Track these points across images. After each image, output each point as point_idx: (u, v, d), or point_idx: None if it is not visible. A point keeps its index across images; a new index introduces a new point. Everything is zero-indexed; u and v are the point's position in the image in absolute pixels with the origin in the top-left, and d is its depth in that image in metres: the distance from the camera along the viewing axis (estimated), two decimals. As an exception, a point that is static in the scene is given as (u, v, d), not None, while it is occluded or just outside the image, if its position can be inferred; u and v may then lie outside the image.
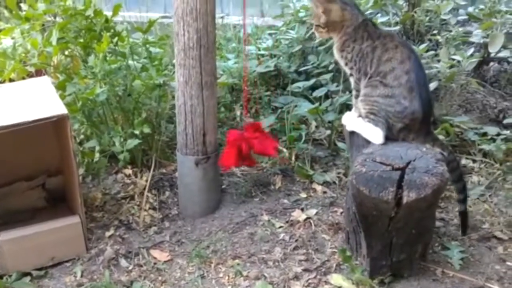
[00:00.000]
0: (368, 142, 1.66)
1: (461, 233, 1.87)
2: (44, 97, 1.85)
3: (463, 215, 1.81)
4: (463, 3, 3.26)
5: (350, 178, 1.51)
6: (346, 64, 1.74)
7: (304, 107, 2.58)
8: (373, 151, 1.56)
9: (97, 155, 2.09)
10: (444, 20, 3.14)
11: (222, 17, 3.86)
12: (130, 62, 2.24)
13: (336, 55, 1.77)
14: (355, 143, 1.72)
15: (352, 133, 1.74)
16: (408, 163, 1.49)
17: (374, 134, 1.61)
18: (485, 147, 2.37)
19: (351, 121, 1.72)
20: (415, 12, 3.06)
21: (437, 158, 1.52)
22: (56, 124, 1.78)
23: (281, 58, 3.10)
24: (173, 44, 2.50)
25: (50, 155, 2.08)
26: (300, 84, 2.83)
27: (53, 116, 1.65)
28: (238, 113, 2.74)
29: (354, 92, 1.76)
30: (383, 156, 1.53)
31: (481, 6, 3.14)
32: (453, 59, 2.62)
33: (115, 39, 2.26)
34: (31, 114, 1.65)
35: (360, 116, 1.69)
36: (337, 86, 2.71)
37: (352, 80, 1.75)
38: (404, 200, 1.44)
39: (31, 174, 2.08)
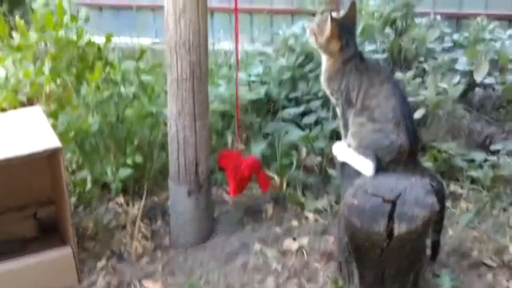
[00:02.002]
0: (359, 173, 1.69)
1: (430, 259, 1.88)
2: (37, 128, 1.86)
3: (436, 244, 1.83)
4: (448, 31, 3.36)
5: (342, 210, 1.54)
6: (332, 94, 1.78)
7: (294, 134, 2.61)
8: (364, 183, 1.59)
9: (89, 184, 2.09)
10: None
11: (213, 44, 3.91)
12: (122, 89, 2.26)
13: (323, 84, 1.81)
14: (346, 173, 1.75)
15: (343, 163, 1.77)
16: (399, 195, 1.52)
17: (365, 166, 1.64)
18: (473, 173, 2.41)
19: (342, 152, 1.75)
20: (402, 40, 3.13)
21: (426, 189, 1.55)
22: (49, 155, 1.78)
23: (271, 84, 3.15)
24: (164, 71, 2.53)
25: (42, 184, 2.08)
26: (291, 110, 2.87)
27: (47, 150, 1.66)
28: (229, 140, 2.76)
29: (341, 122, 1.79)
30: (374, 187, 1.55)
31: (466, 34, 3.23)
32: (440, 87, 2.67)
33: (107, 68, 2.28)
34: (25, 147, 1.66)
35: (350, 146, 1.73)
36: (327, 112, 2.75)
37: (338, 110, 1.79)
38: (396, 232, 1.46)
39: (22, 204, 2.07)
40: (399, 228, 1.46)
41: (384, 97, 1.61)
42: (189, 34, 1.80)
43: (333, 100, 1.78)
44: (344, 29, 1.69)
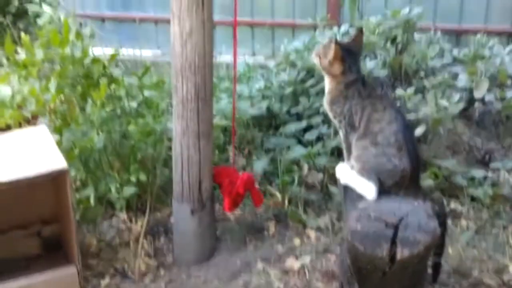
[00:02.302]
0: (361, 196, 1.71)
1: (432, 280, 1.89)
2: (43, 148, 1.87)
3: (437, 265, 1.83)
4: (448, 46, 3.39)
5: (345, 235, 1.55)
6: (335, 117, 1.78)
7: (296, 151, 2.63)
8: (367, 206, 1.61)
9: (92, 202, 2.10)
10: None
11: (215, 57, 3.93)
12: (126, 105, 2.28)
13: (326, 107, 1.82)
14: (349, 195, 1.76)
15: (346, 185, 1.78)
16: (401, 219, 1.54)
17: (368, 189, 1.66)
18: (473, 191, 2.43)
19: (345, 174, 1.77)
20: (403, 56, 3.16)
21: (428, 213, 1.57)
22: (54, 174, 1.79)
23: (273, 99, 3.17)
24: (168, 86, 2.55)
25: (46, 202, 2.08)
26: (292, 126, 2.89)
27: (54, 171, 1.67)
28: (231, 154, 2.78)
29: (344, 145, 1.81)
30: (376, 211, 1.57)
31: (466, 50, 3.26)
32: (440, 104, 2.70)
33: (112, 86, 2.31)
34: (31, 168, 1.67)
35: (353, 168, 1.75)
36: (328, 128, 2.77)
37: (341, 133, 1.80)
38: (398, 256, 1.48)
39: (26, 222, 2.08)
40: (402, 253, 1.47)
41: (387, 122, 1.63)
42: (195, 57, 1.83)
43: (335, 123, 1.79)
44: (348, 53, 1.71)
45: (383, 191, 1.67)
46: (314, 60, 1.82)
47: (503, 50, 3.06)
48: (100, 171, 2.25)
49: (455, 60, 3.35)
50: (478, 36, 3.16)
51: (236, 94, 3.26)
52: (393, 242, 1.50)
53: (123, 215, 2.31)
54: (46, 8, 2.55)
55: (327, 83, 1.81)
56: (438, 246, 1.73)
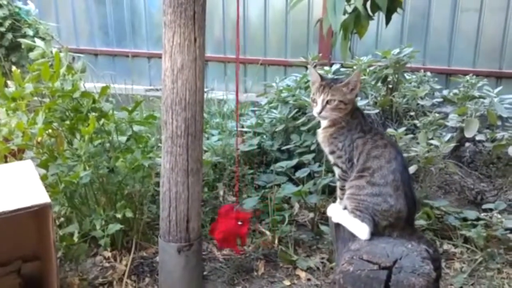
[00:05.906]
0: (354, 236, 1.66)
1: None
2: (27, 183, 1.82)
3: None
4: (438, 87, 3.43)
5: (337, 277, 1.50)
6: (333, 152, 1.70)
7: (287, 189, 2.60)
8: (359, 248, 1.56)
9: (76, 239, 2.03)
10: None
11: (206, 92, 3.95)
12: (115, 138, 2.25)
13: (325, 142, 1.72)
14: (341, 236, 1.72)
15: (338, 225, 1.74)
16: (395, 262, 1.49)
17: (360, 230, 1.61)
18: (466, 232, 2.39)
19: (337, 213, 1.72)
20: (393, 96, 3.18)
21: (422, 256, 1.52)
22: (36, 210, 1.73)
23: (264, 136, 3.16)
24: (159, 121, 2.53)
25: (27, 240, 2.01)
26: (283, 163, 2.87)
27: (35, 206, 1.62)
28: (221, 192, 2.73)
29: (338, 184, 1.75)
30: (369, 253, 1.52)
31: (455, 91, 3.30)
32: (431, 144, 2.70)
33: (101, 120, 2.27)
34: (12, 203, 1.62)
35: (345, 208, 1.70)
36: (319, 166, 2.75)
37: (337, 171, 1.73)
38: (392, 301, 1.42)
39: (6, 259, 2.00)
40: (396, 297, 1.42)
41: (387, 161, 1.59)
42: (186, 93, 1.81)
43: (332, 159, 1.72)
44: None
45: (377, 232, 1.62)
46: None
47: (492, 91, 3.09)
48: (85, 206, 2.19)
49: (445, 100, 3.38)
50: (467, 77, 3.19)
51: (227, 129, 3.26)
52: (387, 286, 1.45)
53: (108, 253, 2.24)
54: (39, 42, 2.53)
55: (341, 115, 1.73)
56: (432, 290, 1.68)
